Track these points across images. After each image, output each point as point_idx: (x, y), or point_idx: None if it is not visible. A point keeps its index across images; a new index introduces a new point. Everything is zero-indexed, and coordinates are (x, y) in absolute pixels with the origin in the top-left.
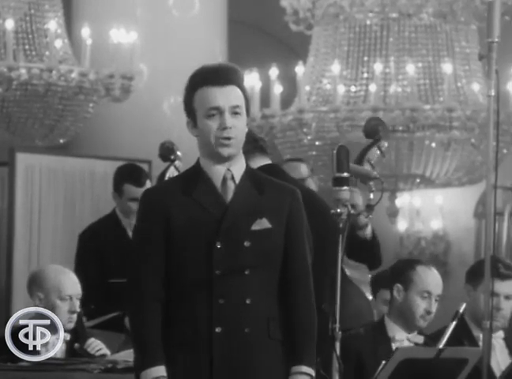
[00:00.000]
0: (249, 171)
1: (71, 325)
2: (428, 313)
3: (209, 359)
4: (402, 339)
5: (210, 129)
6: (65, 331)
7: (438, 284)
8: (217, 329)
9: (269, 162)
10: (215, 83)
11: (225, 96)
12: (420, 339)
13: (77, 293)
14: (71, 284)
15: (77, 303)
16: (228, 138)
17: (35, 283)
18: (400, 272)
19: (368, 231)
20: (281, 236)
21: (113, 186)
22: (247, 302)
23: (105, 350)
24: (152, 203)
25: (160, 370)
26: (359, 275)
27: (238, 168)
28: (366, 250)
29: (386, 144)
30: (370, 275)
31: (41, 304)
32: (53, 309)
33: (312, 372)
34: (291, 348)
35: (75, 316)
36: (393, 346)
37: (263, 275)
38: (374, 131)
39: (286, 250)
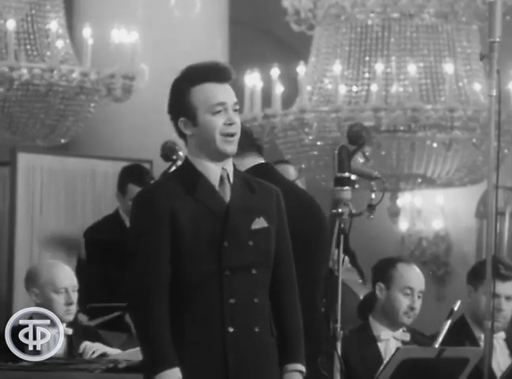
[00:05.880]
0: (236, 170)
1: (70, 317)
2: (412, 309)
3: (223, 359)
4: (388, 337)
5: (215, 126)
6: (64, 322)
7: (420, 280)
8: (230, 329)
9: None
10: (217, 79)
11: (228, 93)
12: (407, 336)
13: (72, 284)
14: (65, 276)
15: (74, 295)
16: (233, 135)
17: (30, 280)
18: (382, 271)
19: None
20: (274, 235)
21: (117, 186)
22: (255, 300)
23: (102, 350)
24: (157, 205)
25: (176, 373)
26: (353, 276)
27: (230, 167)
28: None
29: (370, 149)
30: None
31: (37, 299)
32: (49, 302)
33: (304, 369)
34: (284, 346)
35: (72, 307)
36: (379, 345)
37: (265, 274)
38: (357, 137)
39: (276, 250)
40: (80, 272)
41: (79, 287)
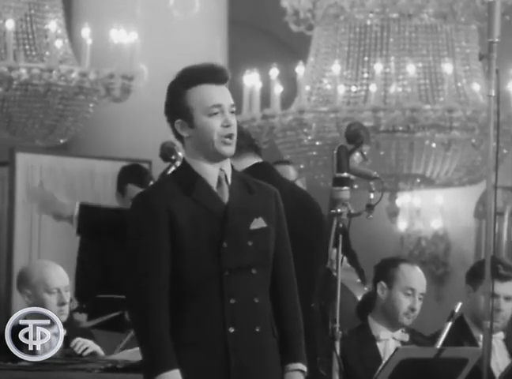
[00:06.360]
0: (235, 171)
1: (64, 318)
2: (412, 310)
3: (225, 360)
4: (387, 338)
5: (213, 127)
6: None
7: (422, 282)
8: (231, 329)
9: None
10: (214, 81)
11: (225, 94)
12: (406, 336)
13: (64, 285)
14: (57, 277)
15: (66, 295)
16: (231, 136)
17: (22, 281)
18: (384, 270)
19: None
20: (274, 235)
21: (116, 186)
22: (256, 300)
23: (93, 348)
24: (155, 206)
25: (176, 375)
26: (351, 275)
27: (228, 168)
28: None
29: (368, 148)
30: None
31: (30, 300)
32: (42, 303)
33: (306, 369)
34: (284, 346)
35: (65, 307)
36: (378, 345)
37: (264, 274)
38: (355, 136)
39: (275, 250)
40: (80, 272)
41: (79, 288)
